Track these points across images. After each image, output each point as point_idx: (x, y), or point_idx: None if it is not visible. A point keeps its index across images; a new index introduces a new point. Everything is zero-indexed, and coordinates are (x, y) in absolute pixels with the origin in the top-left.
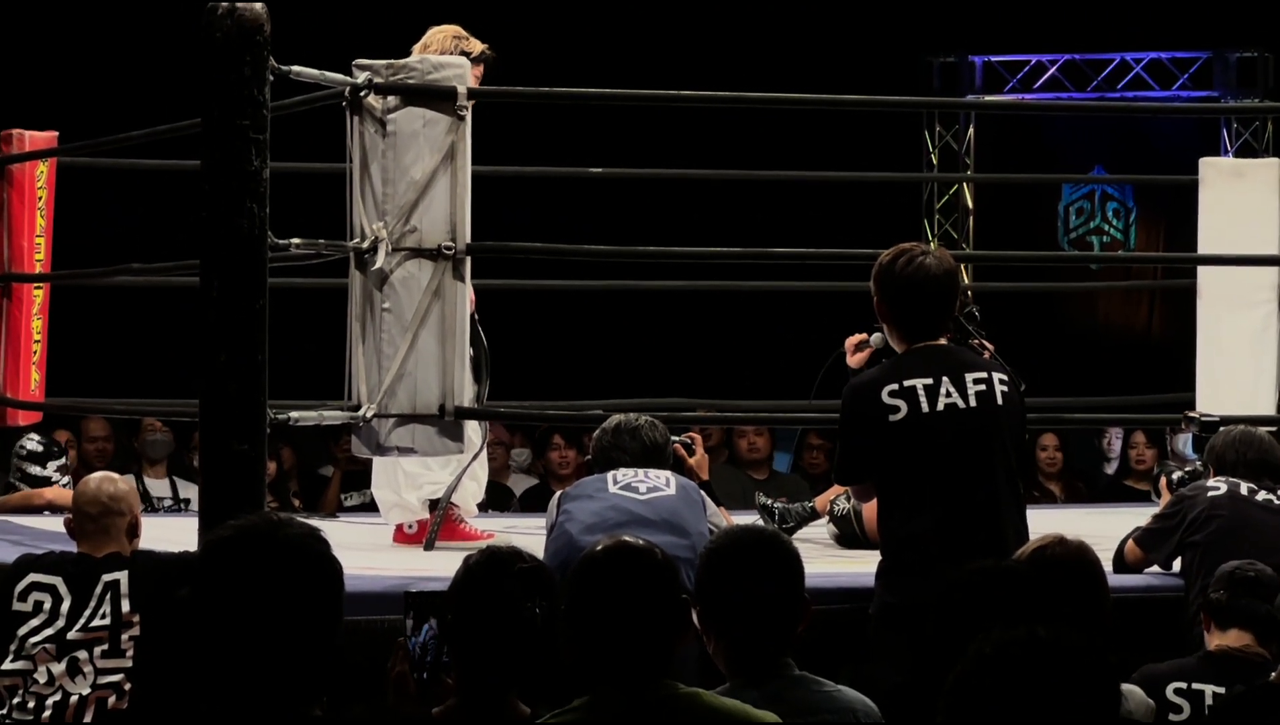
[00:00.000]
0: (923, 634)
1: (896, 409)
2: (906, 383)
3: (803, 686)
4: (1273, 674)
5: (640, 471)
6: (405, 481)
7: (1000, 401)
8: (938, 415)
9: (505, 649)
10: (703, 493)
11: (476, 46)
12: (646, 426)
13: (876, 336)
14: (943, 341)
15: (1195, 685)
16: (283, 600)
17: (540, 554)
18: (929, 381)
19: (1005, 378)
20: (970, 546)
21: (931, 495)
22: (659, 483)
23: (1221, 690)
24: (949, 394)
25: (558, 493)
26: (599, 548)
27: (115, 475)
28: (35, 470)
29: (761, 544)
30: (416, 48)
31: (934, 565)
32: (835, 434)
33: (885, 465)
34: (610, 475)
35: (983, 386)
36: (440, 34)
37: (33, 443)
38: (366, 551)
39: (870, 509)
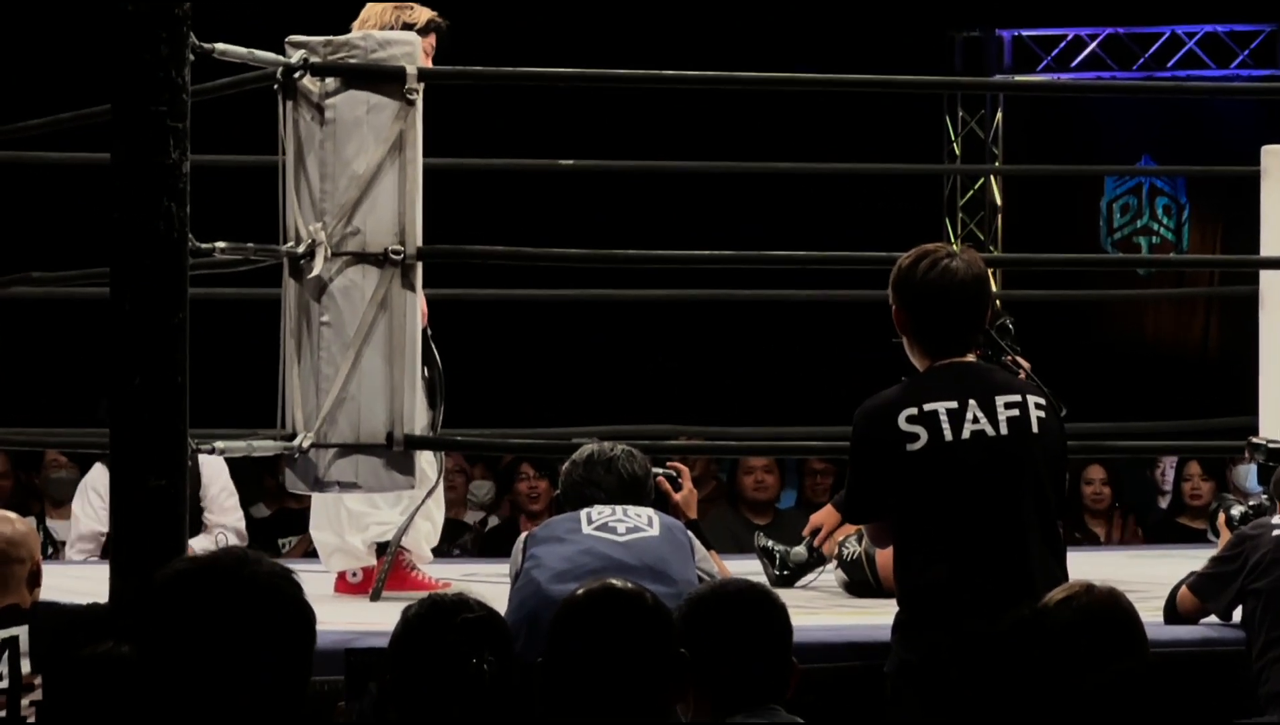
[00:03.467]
0: (942, 695)
1: (915, 437)
2: (927, 407)
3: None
4: None
5: (618, 509)
6: (349, 522)
7: (1036, 429)
8: (963, 444)
9: (449, 710)
10: (690, 534)
11: (422, 15)
12: (624, 457)
13: None
14: (970, 358)
15: None
16: (245, 648)
17: (503, 606)
18: (953, 405)
19: (1042, 402)
20: (998, 597)
21: (954, 538)
22: (640, 522)
23: None
24: (976, 420)
25: (523, 534)
26: (581, 592)
27: (13, 515)
28: None
29: (744, 596)
30: (355, 25)
31: (957, 618)
32: (845, 464)
33: (902, 503)
34: (584, 514)
35: (1016, 411)
36: (378, 7)
37: None
38: None
39: (885, 553)
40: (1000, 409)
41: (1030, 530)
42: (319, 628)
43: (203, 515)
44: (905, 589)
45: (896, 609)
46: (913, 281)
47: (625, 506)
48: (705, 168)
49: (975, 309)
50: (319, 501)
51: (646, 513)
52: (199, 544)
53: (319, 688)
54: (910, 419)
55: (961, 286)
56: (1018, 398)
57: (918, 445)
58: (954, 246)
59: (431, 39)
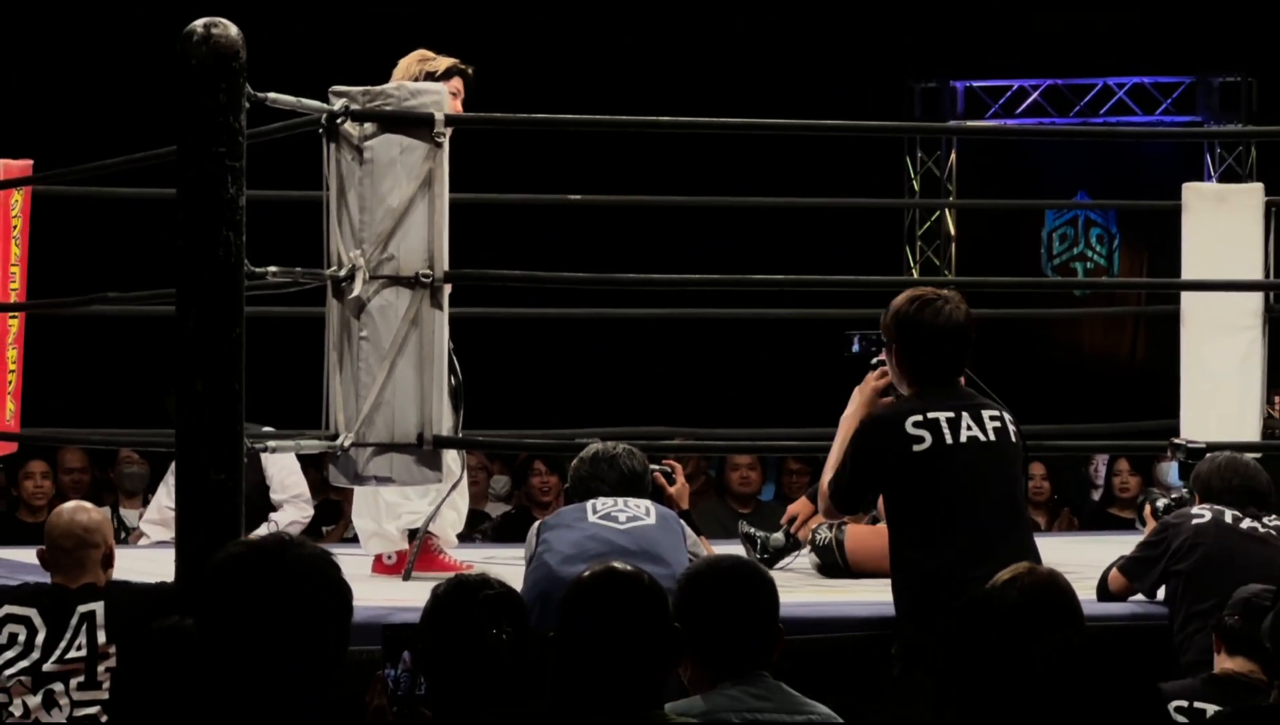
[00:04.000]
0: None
1: (921, 439)
2: (930, 414)
3: (784, 691)
4: (1273, 695)
5: (619, 500)
6: (385, 511)
7: (1013, 438)
8: (961, 447)
9: (474, 677)
10: (682, 522)
11: (442, 64)
12: (624, 455)
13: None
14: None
15: (1198, 704)
16: (290, 620)
17: (519, 585)
18: (950, 415)
19: (1011, 418)
20: None
21: (958, 527)
22: (639, 512)
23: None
24: (970, 427)
25: (536, 522)
26: (587, 574)
27: (88, 505)
28: None
29: (737, 571)
30: (393, 77)
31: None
32: (818, 463)
33: (908, 497)
34: (589, 504)
35: (998, 423)
36: (406, 61)
37: None
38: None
39: (856, 542)
40: (986, 420)
41: (1020, 518)
42: (356, 604)
43: (269, 494)
44: (913, 575)
45: (899, 592)
46: (917, 323)
47: (626, 498)
48: (697, 202)
49: (967, 348)
50: (360, 493)
51: (645, 504)
52: (283, 518)
53: (357, 657)
54: (916, 424)
55: (960, 329)
56: (997, 412)
57: (923, 447)
58: (943, 290)
59: (455, 81)
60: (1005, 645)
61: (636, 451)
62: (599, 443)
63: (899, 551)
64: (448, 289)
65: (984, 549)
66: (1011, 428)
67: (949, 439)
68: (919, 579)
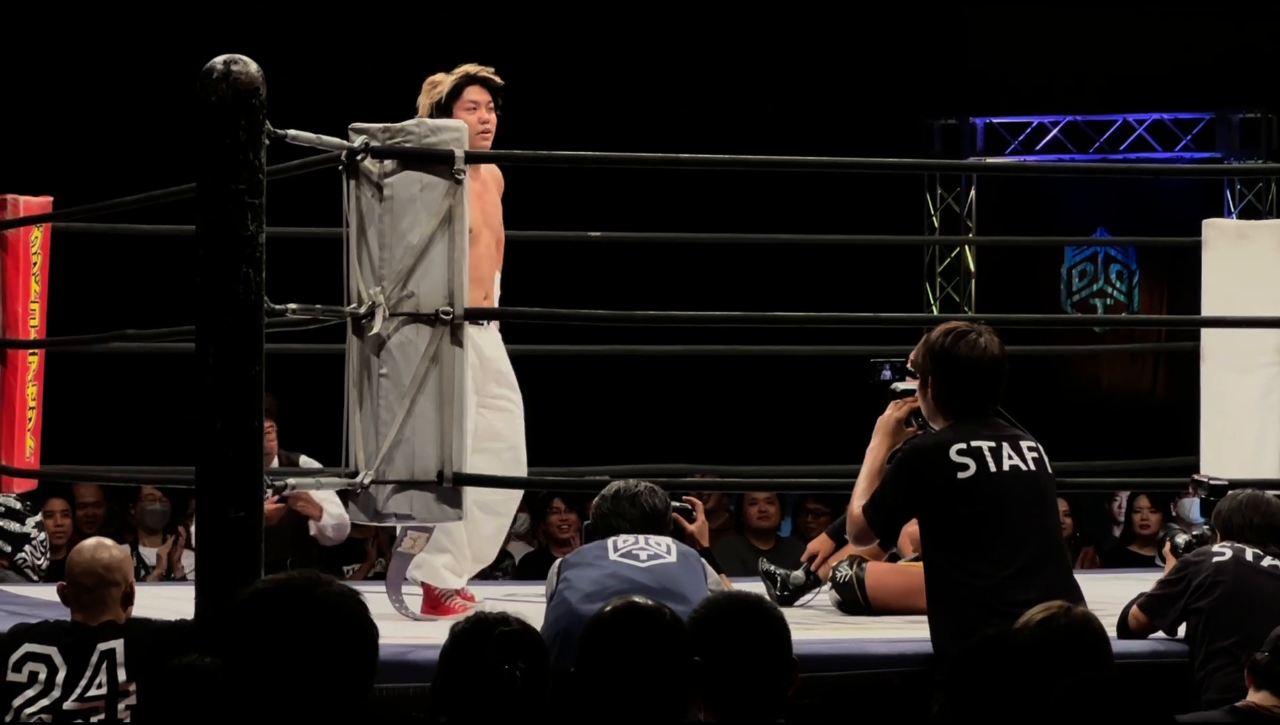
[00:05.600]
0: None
1: (966, 467)
2: (974, 443)
3: None
4: None
5: (641, 538)
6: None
7: (1049, 468)
8: (1004, 475)
9: (488, 713)
10: (703, 560)
11: (447, 83)
12: (646, 493)
13: (908, 387)
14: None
15: None
16: (316, 658)
17: (539, 622)
18: (992, 444)
19: (1043, 449)
20: (1050, 598)
21: (1004, 551)
22: (659, 550)
23: None
24: (1011, 457)
25: (558, 560)
26: (608, 608)
27: (109, 542)
28: (14, 527)
29: (747, 609)
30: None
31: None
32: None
33: (953, 523)
34: (610, 542)
35: (1036, 453)
36: (421, 96)
37: (10, 500)
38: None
39: (877, 579)
40: (1025, 451)
41: (1059, 546)
42: (381, 642)
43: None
44: (960, 592)
45: (940, 618)
46: (955, 357)
47: (647, 535)
48: (718, 240)
49: (1003, 381)
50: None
51: (665, 541)
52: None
53: (380, 694)
54: (960, 452)
55: (996, 362)
56: (1034, 443)
57: (968, 473)
58: (976, 324)
59: (474, 91)
60: (1022, 682)
61: (658, 489)
62: (621, 481)
63: (941, 574)
64: (468, 326)
65: (1030, 574)
66: (1045, 457)
67: (992, 467)
68: (967, 595)
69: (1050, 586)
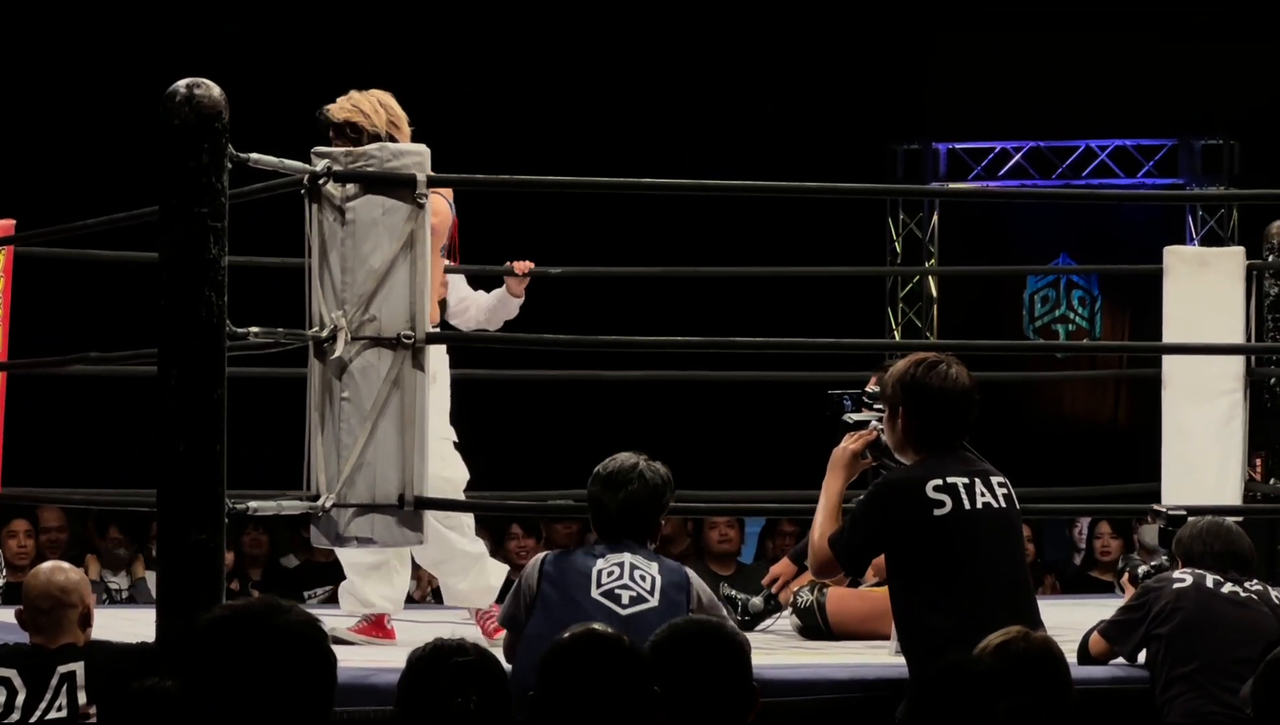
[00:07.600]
0: None
1: (942, 504)
2: (949, 479)
3: None
4: None
5: (625, 568)
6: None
7: (1017, 504)
8: (978, 513)
9: None
10: (691, 583)
11: (381, 119)
12: (638, 477)
13: (862, 418)
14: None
15: None
16: (273, 684)
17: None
18: (966, 480)
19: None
20: None
21: (976, 591)
22: (644, 589)
23: None
24: (983, 493)
25: (541, 556)
26: (567, 636)
27: (65, 565)
28: None
29: (708, 634)
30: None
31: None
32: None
33: (928, 560)
34: (595, 569)
35: (1005, 489)
36: (366, 110)
37: None
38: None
39: (839, 605)
40: (995, 487)
41: (1027, 583)
42: (341, 665)
43: None
44: (929, 636)
45: (913, 654)
46: (925, 388)
47: (634, 561)
48: (679, 272)
49: (970, 410)
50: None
51: (652, 573)
52: None
53: (340, 717)
54: (936, 488)
55: (967, 393)
56: (1002, 479)
57: (944, 511)
58: (945, 354)
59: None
60: (980, 708)
61: (661, 469)
62: (629, 454)
63: (911, 614)
64: (429, 350)
65: (999, 613)
66: (1013, 492)
67: (966, 504)
68: (938, 640)
69: (1019, 623)
